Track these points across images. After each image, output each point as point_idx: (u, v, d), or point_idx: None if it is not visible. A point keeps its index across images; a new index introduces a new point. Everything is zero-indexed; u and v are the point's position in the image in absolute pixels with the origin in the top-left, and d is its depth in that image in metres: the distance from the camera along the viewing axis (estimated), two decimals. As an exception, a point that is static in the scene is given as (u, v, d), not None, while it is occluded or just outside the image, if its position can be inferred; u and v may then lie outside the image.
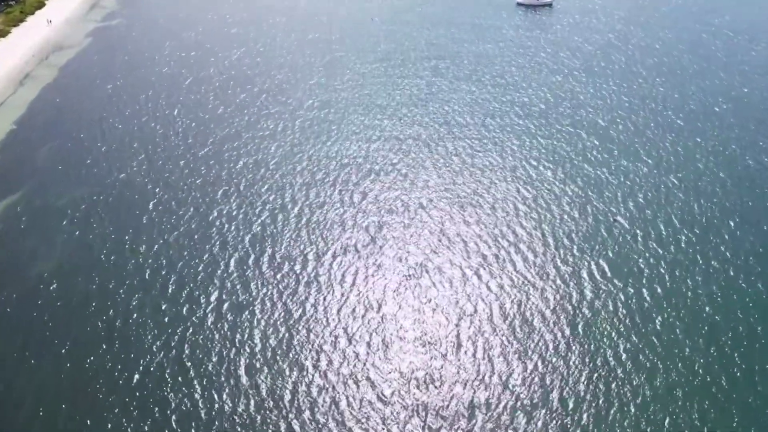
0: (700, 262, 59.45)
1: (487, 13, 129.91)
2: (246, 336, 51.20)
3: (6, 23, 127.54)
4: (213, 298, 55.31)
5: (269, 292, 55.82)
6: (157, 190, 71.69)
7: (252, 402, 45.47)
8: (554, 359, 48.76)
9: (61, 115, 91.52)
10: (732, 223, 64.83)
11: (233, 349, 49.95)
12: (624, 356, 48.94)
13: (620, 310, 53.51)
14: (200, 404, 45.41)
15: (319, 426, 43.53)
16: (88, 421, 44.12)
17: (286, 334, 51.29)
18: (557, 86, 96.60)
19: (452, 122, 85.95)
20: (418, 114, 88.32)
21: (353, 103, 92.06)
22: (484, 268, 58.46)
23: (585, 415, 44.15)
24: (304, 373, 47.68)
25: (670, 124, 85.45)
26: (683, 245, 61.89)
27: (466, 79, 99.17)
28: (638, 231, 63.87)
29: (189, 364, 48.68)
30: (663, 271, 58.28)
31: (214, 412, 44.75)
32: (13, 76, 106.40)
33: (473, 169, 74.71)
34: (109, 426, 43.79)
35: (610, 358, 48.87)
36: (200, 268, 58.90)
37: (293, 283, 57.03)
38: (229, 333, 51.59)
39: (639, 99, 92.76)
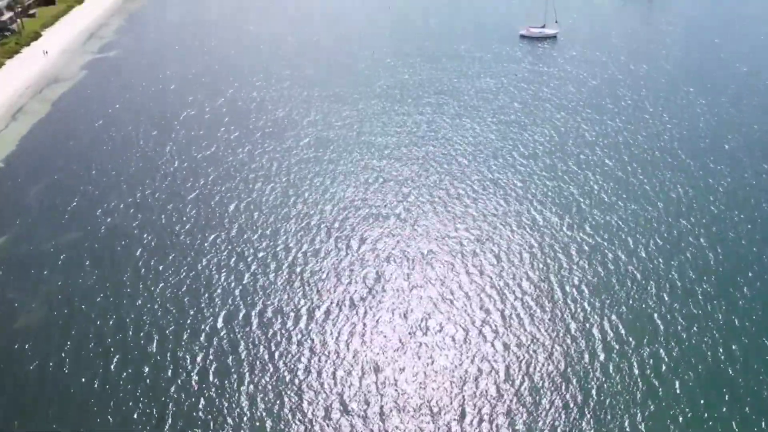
0: (719, 316, 56.06)
1: (490, 45, 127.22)
2: (233, 403, 47.59)
3: (0, 55, 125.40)
4: (199, 359, 51.78)
5: (259, 353, 52.28)
6: (144, 236, 68.43)
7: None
8: (566, 430, 45.09)
9: (51, 152, 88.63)
10: (750, 273, 61.50)
11: (219, 418, 46.33)
12: (641, 425, 45.23)
13: (635, 372, 49.97)
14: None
15: None
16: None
17: (276, 401, 47.67)
18: (562, 123, 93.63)
19: (454, 163, 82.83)
20: (419, 154, 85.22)
21: (351, 141, 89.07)
22: (489, 325, 54.95)
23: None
24: (295, 448, 44.07)
25: (681, 163, 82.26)
26: (700, 297, 58.55)
27: (468, 115, 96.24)
28: (651, 282, 60.49)
29: (170, 436, 45.11)
30: (679, 327, 54.85)
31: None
32: (5, 110, 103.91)
33: (476, 215, 71.44)
34: None
35: (626, 427, 45.18)
36: (186, 325, 55.44)
37: (285, 342, 53.51)
38: (215, 399, 48.01)
39: (647, 137, 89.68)
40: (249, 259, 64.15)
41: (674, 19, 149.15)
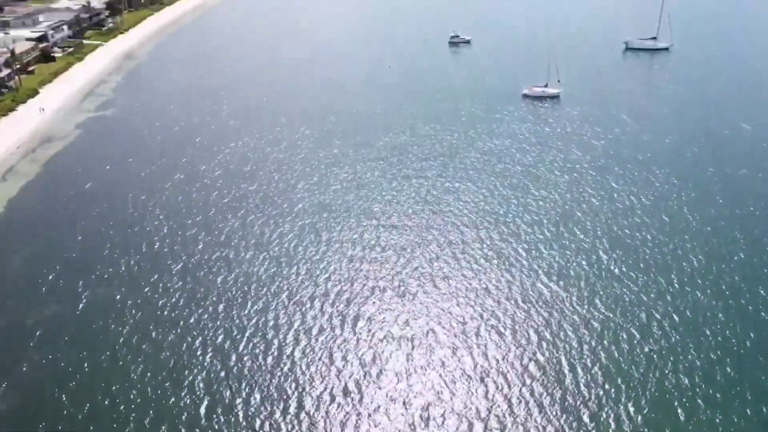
0: (740, 401, 51.81)
1: (492, 105, 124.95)
2: None
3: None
4: (177, 456, 47.27)
5: (243, 450, 47.79)
6: (126, 311, 64.53)
7: None
8: None
9: (37, 218, 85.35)
10: (775, 354, 57.22)
11: None
12: None
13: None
14: None
15: None
16: None
17: None
18: (568, 188, 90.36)
19: (455, 231, 79.20)
20: (419, 221, 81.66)
21: (350, 207, 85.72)
22: (496, 416, 50.43)
23: None
24: None
25: (696, 233, 78.46)
26: (720, 379, 54.37)
27: (471, 179, 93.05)
28: (669, 363, 56.25)
29: None
30: (700, 412, 50.66)
31: None
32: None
33: (478, 288, 67.55)
34: None
35: None
36: (172, 416, 50.98)
37: (272, 435, 49.06)
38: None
39: (655, 201, 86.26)
40: (237, 338, 60.06)
41: (676, 76, 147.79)
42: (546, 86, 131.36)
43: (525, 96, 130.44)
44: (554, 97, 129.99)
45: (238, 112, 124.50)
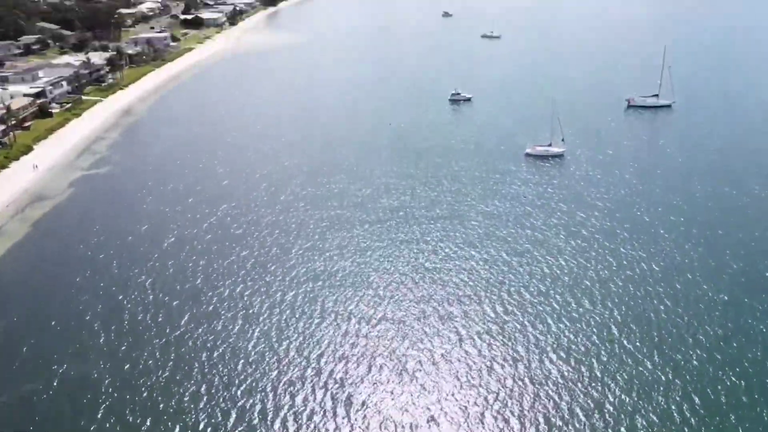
0: None
1: (495, 165, 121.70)
2: None
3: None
4: None
5: None
6: (103, 389, 60.06)
7: None
8: None
9: (19, 283, 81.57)
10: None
11: None
12: None
13: None
14: None
15: None
16: None
17: None
18: (575, 254, 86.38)
19: (457, 304, 74.71)
20: (419, 293, 77.11)
21: (346, 275, 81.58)
22: None
23: None
24: None
25: (711, 303, 74.08)
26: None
27: (475, 246, 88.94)
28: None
29: None
30: None
31: None
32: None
33: (483, 368, 63.04)
34: None
35: None
36: None
37: None
38: None
39: (669, 270, 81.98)
40: (220, 424, 55.28)
41: (680, 134, 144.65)
42: (550, 145, 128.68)
43: (528, 155, 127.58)
44: (558, 156, 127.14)
45: (233, 171, 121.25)
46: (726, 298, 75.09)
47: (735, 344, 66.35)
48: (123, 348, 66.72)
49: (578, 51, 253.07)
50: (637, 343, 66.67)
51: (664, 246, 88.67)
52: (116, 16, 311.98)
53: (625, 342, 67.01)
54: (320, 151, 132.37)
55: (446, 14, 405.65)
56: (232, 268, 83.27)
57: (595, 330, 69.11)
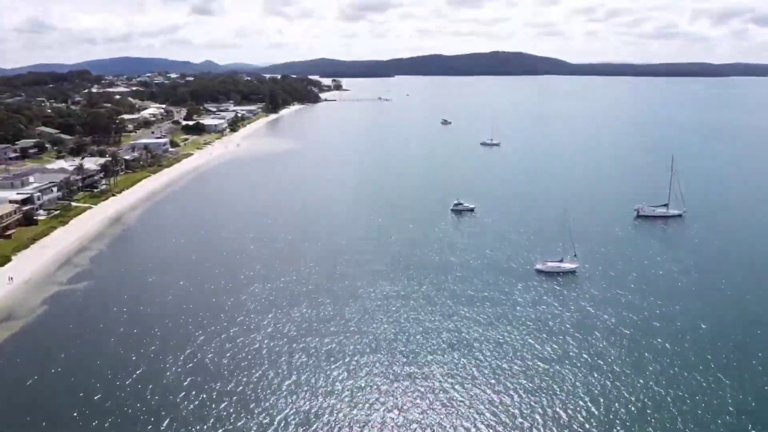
0: None
1: (504, 282, 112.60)
2: None
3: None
4: None
5: None
6: None
7: None
8: None
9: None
10: None
11: None
12: None
13: None
14: None
15: None
16: None
17: None
18: (597, 391, 76.23)
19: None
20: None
21: (340, 422, 71.16)
22: None
23: None
24: None
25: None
26: None
27: (488, 382, 78.54)
28: None
29: None
30: None
31: None
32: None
33: None
34: None
35: None
36: None
37: None
38: None
39: (705, 411, 71.70)
40: None
41: (694, 246, 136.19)
42: (561, 261, 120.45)
43: (538, 271, 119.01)
44: (570, 273, 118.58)
45: (220, 288, 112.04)
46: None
47: None
48: None
49: (579, 155, 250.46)
50: None
51: (700, 381, 79.06)
52: (117, 121, 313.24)
53: None
54: (316, 269, 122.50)
55: (445, 122, 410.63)
56: (208, 410, 72.94)
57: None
